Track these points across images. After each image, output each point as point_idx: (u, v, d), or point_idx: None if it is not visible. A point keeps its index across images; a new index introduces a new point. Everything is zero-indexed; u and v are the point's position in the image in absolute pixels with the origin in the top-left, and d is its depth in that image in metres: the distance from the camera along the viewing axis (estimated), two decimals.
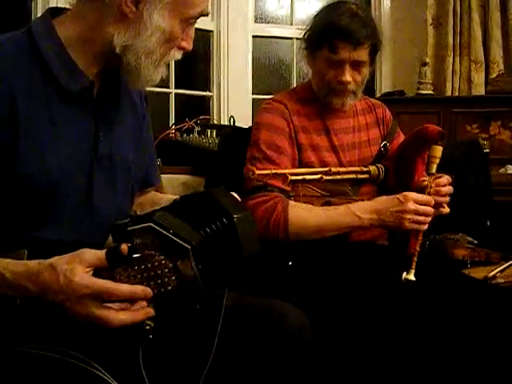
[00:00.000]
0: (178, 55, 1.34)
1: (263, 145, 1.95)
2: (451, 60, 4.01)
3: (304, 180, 1.91)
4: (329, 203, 1.94)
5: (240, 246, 1.19)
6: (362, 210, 1.85)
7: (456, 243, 2.17)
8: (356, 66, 1.94)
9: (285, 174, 1.87)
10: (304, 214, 1.88)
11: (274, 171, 1.84)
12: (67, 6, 1.31)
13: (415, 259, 1.75)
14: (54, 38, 1.26)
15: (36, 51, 1.24)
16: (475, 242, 2.24)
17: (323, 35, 1.94)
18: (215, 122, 3.72)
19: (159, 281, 1.12)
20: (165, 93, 3.88)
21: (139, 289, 1.11)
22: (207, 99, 4.09)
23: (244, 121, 3.62)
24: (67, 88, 1.25)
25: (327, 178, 1.92)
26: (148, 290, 1.11)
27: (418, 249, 1.78)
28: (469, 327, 1.71)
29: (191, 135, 2.85)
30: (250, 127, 2.18)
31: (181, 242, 1.12)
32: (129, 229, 1.12)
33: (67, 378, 1.15)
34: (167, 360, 1.33)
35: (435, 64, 4.08)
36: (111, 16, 1.24)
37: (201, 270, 1.13)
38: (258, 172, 1.81)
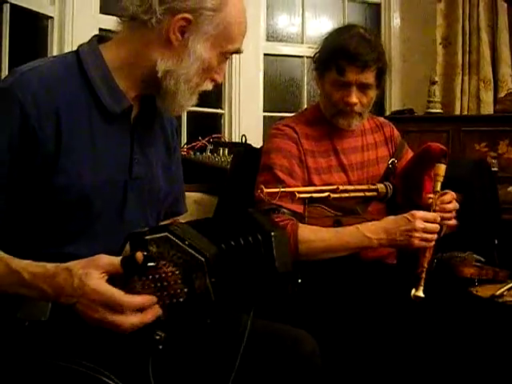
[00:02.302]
0: (210, 86, 1.42)
1: (275, 168, 1.98)
2: (460, 79, 4.05)
3: (312, 198, 1.94)
4: (339, 222, 1.96)
5: (274, 262, 1.19)
6: (371, 231, 1.87)
7: (464, 261, 2.17)
8: (363, 88, 1.98)
9: (293, 193, 1.91)
10: (313, 236, 1.91)
11: (282, 189, 1.87)
12: (112, 33, 1.40)
13: (423, 276, 1.78)
14: (100, 61, 1.34)
15: (83, 73, 1.32)
16: (483, 260, 2.24)
17: (332, 57, 1.98)
18: (226, 139, 3.76)
19: (172, 291, 1.14)
20: None
21: (147, 300, 1.13)
22: (219, 116, 4.13)
23: (255, 138, 3.65)
24: (109, 109, 1.32)
25: (335, 196, 1.94)
26: (155, 301, 1.13)
27: (425, 265, 1.80)
28: (476, 345, 1.73)
29: (204, 153, 2.89)
30: (261, 147, 2.22)
31: (195, 253, 1.13)
32: (146, 237, 1.14)
33: None
34: (181, 380, 1.36)
35: (444, 83, 4.12)
36: (157, 43, 1.32)
37: (214, 283, 1.13)
38: (266, 190, 1.84)
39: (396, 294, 1.82)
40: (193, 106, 1.41)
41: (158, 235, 1.14)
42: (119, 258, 1.14)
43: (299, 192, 1.90)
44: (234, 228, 1.22)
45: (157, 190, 1.45)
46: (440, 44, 4.12)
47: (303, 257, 1.88)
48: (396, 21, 4.41)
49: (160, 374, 1.24)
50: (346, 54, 1.94)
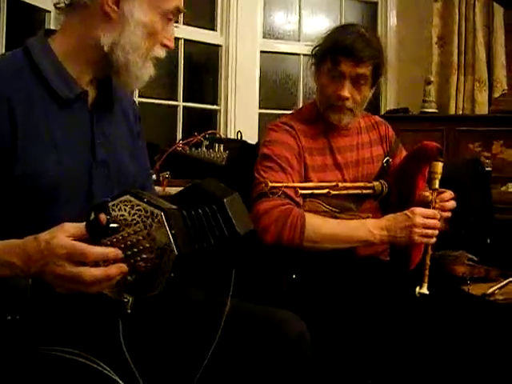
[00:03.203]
0: (162, 53, 1.42)
1: (275, 157, 1.98)
2: (455, 79, 4.07)
3: (312, 194, 1.95)
4: (336, 219, 1.98)
5: (234, 227, 1.21)
6: (374, 226, 1.88)
7: (456, 260, 2.19)
8: (356, 82, 1.97)
9: (295, 188, 1.93)
10: (320, 222, 1.91)
11: (285, 184, 1.89)
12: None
13: (427, 273, 1.79)
14: (48, 51, 1.36)
15: (32, 64, 1.33)
16: (475, 258, 2.26)
17: (328, 50, 1.99)
18: (222, 135, 3.77)
19: (135, 249, 1.17)
20: (173, 105, 3.92)
21: (110, 250, 1.15)
22: (214, 112, 4.15)
23: (250, 135, 3.67)
24: (62, 95, 1.33)
25: (334, 192, 1.96)
26: (119, 253, 1.16)
27: (428, 262, 1.81)
28: (467, 343, 1.74)
29: (199, 149, 2.90)
30: (257, 143, 2.23)
31: (154, 208, 1.17)
32: (109, 204, 1.18)
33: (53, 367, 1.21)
34: (162, 361, 1.36)
35: (439, 83, 4.14)
36: (96, 19, 1.34)
37: (174, 235, 1.17)
38: (271, 184, 1.86)
39: (390, 291, 1.83)
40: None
41: (118, 199, 1.19)
42: (84, 223, 1.16)
43: (301, 188, 1.92)
44: (188, 201, 1.24)
45: (125, 174, 1.46)
46: (436, 44, 4.15)
47: (308, 243, 1.87)
48: (392, 20, 4.43)
49: (138, 360, 1.25)
50: (342, 47, 1.95)
